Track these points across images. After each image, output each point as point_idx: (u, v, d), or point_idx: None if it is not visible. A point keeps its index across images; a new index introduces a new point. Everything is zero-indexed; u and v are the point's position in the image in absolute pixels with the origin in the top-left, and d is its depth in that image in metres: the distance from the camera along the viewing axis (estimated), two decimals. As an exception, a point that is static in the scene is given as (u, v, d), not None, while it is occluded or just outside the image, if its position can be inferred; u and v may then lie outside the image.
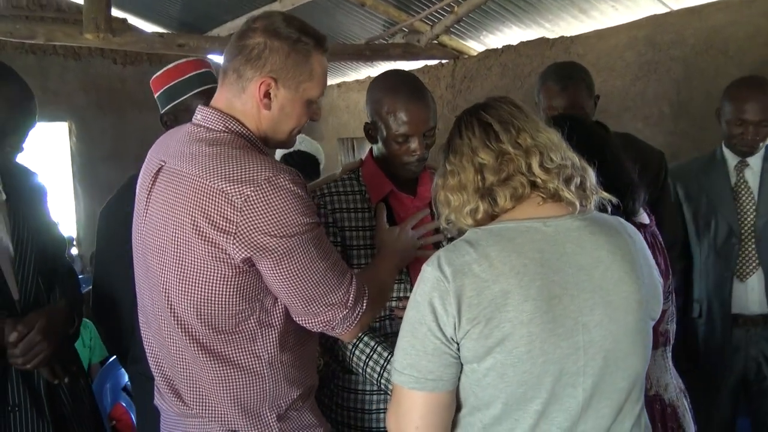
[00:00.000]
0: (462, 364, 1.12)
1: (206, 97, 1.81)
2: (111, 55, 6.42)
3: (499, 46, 4.82)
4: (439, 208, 1.26)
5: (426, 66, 5.34)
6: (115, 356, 2.77)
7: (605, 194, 1.21)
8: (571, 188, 1.15)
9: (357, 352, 1.58)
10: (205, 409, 1.33)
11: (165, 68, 1.88)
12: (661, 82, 3.67)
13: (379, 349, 1.57)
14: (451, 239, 1.67)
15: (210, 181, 1.22)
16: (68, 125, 6.44)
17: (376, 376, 1.55)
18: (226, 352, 1.30)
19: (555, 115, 1.38)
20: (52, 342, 1.58)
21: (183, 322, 1.30)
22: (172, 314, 1.31)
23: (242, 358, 1.30)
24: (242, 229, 1.20)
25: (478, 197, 1.17)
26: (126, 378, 2.79)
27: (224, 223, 1.20)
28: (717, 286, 2.38)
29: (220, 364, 1.30)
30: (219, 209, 1.21)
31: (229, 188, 1.20)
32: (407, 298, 1.61)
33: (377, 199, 1.66)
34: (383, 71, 1.75)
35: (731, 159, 2.40)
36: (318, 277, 1.27)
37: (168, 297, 1.30)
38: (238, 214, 1.20)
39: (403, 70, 1.77)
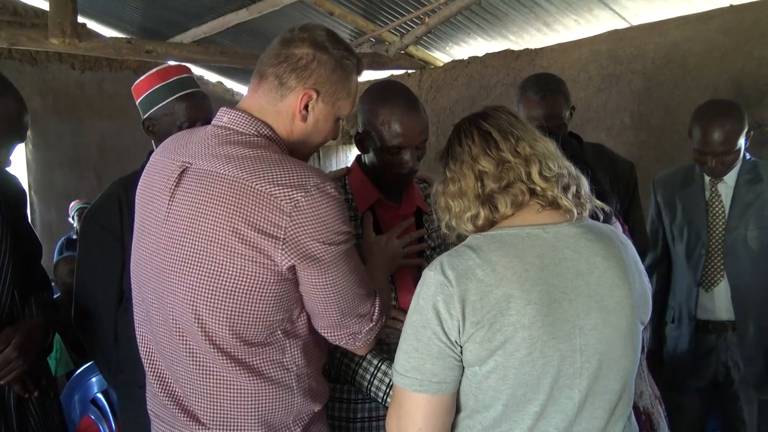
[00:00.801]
0: (463, 367, 1.14)
1: (189, 101, 1.81)
2: (69, 60, 6.26)
3: (465, 57, 4.91)
4: (439, 214, 1.28)
5: (392, 76, 5.39)
6: (82, 368, 2.72)
7: (598, 202, 1.25)
8: (568, 196, 1.19)
9: (346, 360, 1.57)
10: (226, 427, 1.26)
11: (146, 74, 1.86)
12: (623, 95, 3.79)
13: (368, 356, 1.56)
14: (434, 248, 1.70)
15: (255, 184, 1.17)
16: (24, 131, 6.25)
17: (365, 384, 1.55)
18: (258, 365, 1.24)
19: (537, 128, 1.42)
20: (28, 358, 1.55)
21: (211, 334, 1.22)
22: (199, 324, 1.23)
23: (273, 370, 1.26)
24: (291, 235, 1.16)
25: (479, 203, 1.19)
26: (95, 390, 2.72)
27: (272, 228, 1.16)
28: (685, 294, 2.46)
29: (252, 378, 1.24)
30: (265, 213, 1.16)
31: (277, 192, 1.16)
32: (394, 307, 1.63)
33: (364, 207, 1.64)
34: (377, 81, 1.74)
35: (705, 173, 2.46)
36: (355, 287, 1.26)
37: (195, 308, 1.22)
38: (288, 219, 1.16)
39: (398, 82, 1.77)
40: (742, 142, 2.32)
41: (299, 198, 1.16)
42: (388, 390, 1.52)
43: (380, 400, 1.54)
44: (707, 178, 2.45)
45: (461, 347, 1.12)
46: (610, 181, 1.67)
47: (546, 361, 1.10)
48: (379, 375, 1.53)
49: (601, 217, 1.27)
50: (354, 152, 6.54)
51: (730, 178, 2.40)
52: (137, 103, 1.87)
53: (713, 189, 2.44)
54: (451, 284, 1.10)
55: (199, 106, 1.83)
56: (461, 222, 1.22)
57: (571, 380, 1.13)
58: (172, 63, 1.95)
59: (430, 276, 1.14)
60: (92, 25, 6.18)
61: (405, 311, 1.62)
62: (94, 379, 2.74)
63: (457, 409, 1.18)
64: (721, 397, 2.50)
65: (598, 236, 1.21)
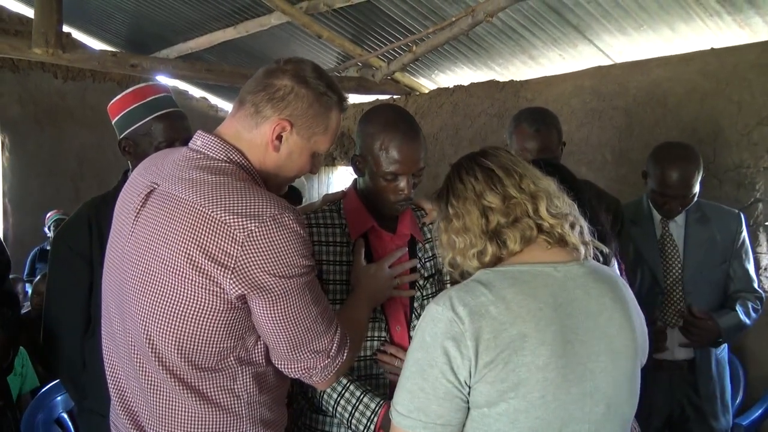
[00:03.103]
0: (469, 408, 1.10)
1: (166, 121, 1.80)
2: (52, 69, 6.19)
3: (450, 86, 4.94)
4: (442, 251, 1.27)
5: (378, 100, 5.41)
6: (47, 386, 2.64)
7: (598, 243, 1.25)
8: (575, 234, 1.19)
9: (329, 390, 1.54)
10: None
11: (122, 93, 1.83)
12: (604, 130, 3.84)
13: (351, 387, 1.54)
14: (427, 278, 1.68)
15: (211, 211, 1.17)
16: (1, 139, 6.13)
17: (347, 416, 1.52)
18: (206, 390, 1.25)
19: (535, 160, 1.42)
20: None
21: (161, 355, 1.23)
22: (150, 345, 1.24)
23: (221, 396, 1.26)
24: (241, 265, 1.16)
25: (486, 239, 1.18)
26: (59, 410, 2.64)
27: (222, 257, 1.16)
28: None
29: (199, 402, 1.25)
30: (218, 241, 1.16)
31: (231, 220, 1.16)
32: (383, 338, 1.61)
33: (357, 234, 1.63)
34: (377, 105, 1.73)
35: (656, 212, 2.49)
36: (308, 322, 1.24)
37: (146, 327, 1.24)
38: (239, 248, 1.16)
39: (399, 106, 1.75)
40: (698, 184, 2.36)
41: (252, 228, 1.16)
42: (368, 424, 1.49)
43: (346, 422, 1.51)
44: (657, 217, 2.48)
45: (470, 388, 1.08)
46: (611, 221, 1.67)
47: (558, 405, 1.07)
48: (361, 407, 1.51)
49: (601, 259, 1.27)
50: (337, 174, 6.52)
51: (680, 217, 2.45)
52: (113, 122, 1.84)
53: (665, 228, 2.47)
54: (463, 321, 1.07)
55: (176, 126, 1.81)
56: (466, 258, 1.20)
57: (579, 425, 1.10)
58: (150, 82, 1.91)
59: (438, 311, 1.10)
60: (77, 35, 6.14)
61: (399, 346, 1.61)
62: (59, 398, 2.66)
63: None
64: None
65: (603, 277, 1.20)
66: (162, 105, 1.81)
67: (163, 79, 4.95)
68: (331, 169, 6.53)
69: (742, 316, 2.35)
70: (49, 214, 5.47)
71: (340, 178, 6.58)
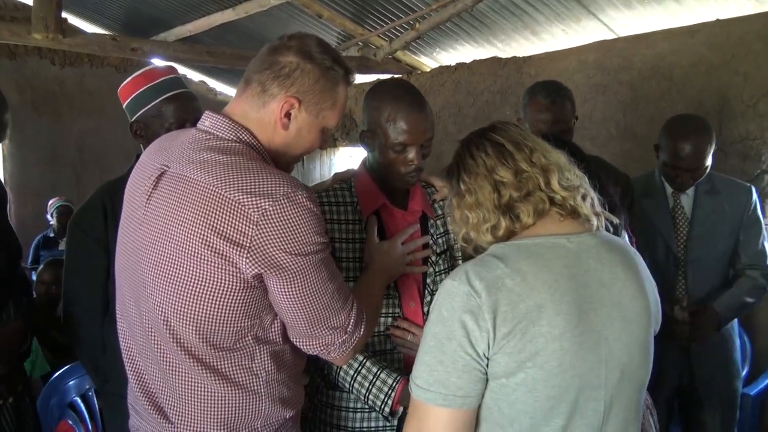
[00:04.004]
0: (487, 380, 1.12)
1: (176, 102, 1.79)
2: (49, 55, 6.15)
3: (452, 63, 4.91)
4: (455, 227, 1.27)
5: (378, 80, 5.37)
6: (60, 371, 2.65)
7: (608, 214, 1.26)
8: (587, 205, 1.20)
9: (345, 367, 1.55)
10: (191, 427, 1.28)
11: (132, 76, 1.84)
12: (609, 105, 3.82)
13: (368, 364, 1.54)
14: (439, 254, 1.69)
15: (224, 191, 1.17)
16: (0, 127, 6.10)
17: (364, 392, 1.53)
18: (225, 369, 1.26)
19: (548, 134, 1.42)
20: (5, 364, 1.50)
21: (179, 337, 1.24)
22: (167, 327, 1.24)
23: (240, 375, 1.27)
24: (257, 244, 1.16)
25: (499, 213, 1.18)
26: (73, 394, 2.65)
27: (238, 236, 1.16)
28: None
29: (218, 381, 1.25)
30: (232, 221, 1.16)
31: (245, 200, 1.16)
32: (397, 314, 1.61)
33: (369, 212, 1.63)
34: (382, 80, 1.73)
35: (668, 185, 2.51)
36: (326, 298, 1.24)
37: (163, 309, 1.24)
38: (254, 227, 1.15)
39: (404, 80, 1.76)
40: (710, 157, 2.36)
41: (267, 207, 1.15)
42: (386, 399, 1.50)
43: (378, 409, 1.53)
44: (669, 189, 2.49)
45: (488, 359, 1.09)
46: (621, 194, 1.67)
47: (575, 372, 1.09)
48: (378, 383, 1.51)
49: (611, 230, 1.27)
50: (339, 155, 6.51)
51: (690, 189, 2.46)
52: (124, 106, 1.84)
53: (676, 200, 2.48)
54: (479, 295, 1.08)
55: (187, 107, 1.80)
56: (480, 233, 1.21)
57: (596, 392, 1.12)
58: (158, 64, 1.91)
59: (455, 286, 1.11)
60: (73, 20, 6.08)
61: (412, 322, 1.62)
62: (72, 383, 2.66)
63: (477, 423, 1.15)
64: (684, 404, 2.54)
65: (615, 247, 1.22)
66: (172, 86, 1.81)
67: (161, 63, 4.91)
68: (333, 150, 6.51)
69: (743, 297, 2.36)
70: (51, 201, 5.46)
71: (342, 159, 6.56)
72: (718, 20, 3.37)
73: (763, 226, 2.47)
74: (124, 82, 1.84)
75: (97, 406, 2.66)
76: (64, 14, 5.80)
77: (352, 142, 6.02)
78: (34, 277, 4.26)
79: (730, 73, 3.27)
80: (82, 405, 2.69)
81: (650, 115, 3.62)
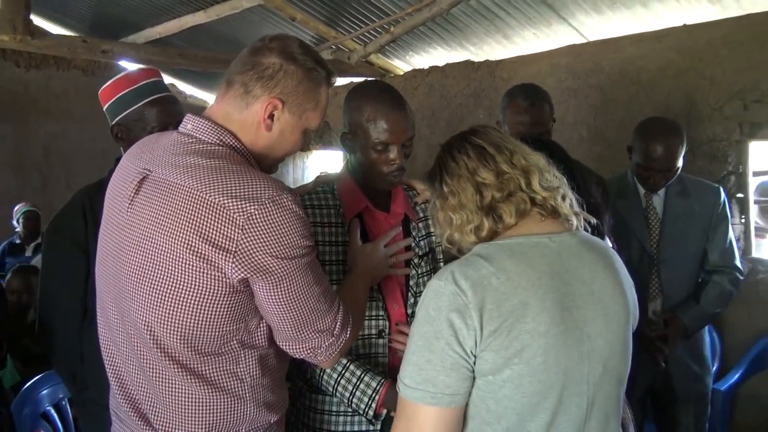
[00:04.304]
0: (474, 378, 1.14)
1: (159, 105, 1.77)
2: (13, 56, 6.00)
3: (426, 67, 4.94)
4: (439, 229, 1.29)
5: (352, 83, 5.38)
6: (32, 381, 2.59)
7: (587, 215, 1.29)
8: (566, 206, 1.23)
9: (328, 370, 1.55)
10: None
11: (113, 79, 1.81)
12: (580, 108, 3.89)
13: (351, 367, 1.55)
14: (422, 256, 1.70)
15: (209, 195, 1.16)
16: (-37, 130, 5.95)
17: (348, 395, 1.53)
18: (209, 375, 1.25)
19: (527, 137, 1.44)
20: None
21: (162, 343, 1.23)
22: (150, 333, 1.23)
23: (225, 380, 1.26)
24: (243, 248, 1.15)
25: (482, 214, 1.21)
26: (46, 403, 2.60)
27: (223, 241, 1.15)
28: None
29: (203, 387, 1.24)
30: (218, 226, 1.15)
31: (230, 204, 1.15)
32: (380, 316, 1.62)
33: (351, 215, 1.63)
34: (361, 81, 1.74)
35: (641, 186, 2.56)
36: (312, 302, 1.25)
37: (146, 315, 1.23)
38: (240, 232, 1.15)
39: (382, 81, 1.77)
40: (682, 158, 2.43)
41: (252, 210, 1.15)
42: (370, 402, 1.50)
43: (362, 412, 1.53)
44: (641, 190, 2.55)
45: (475, 357, 1.11)
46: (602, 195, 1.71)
47: (559, 368, 1.12)
48: (362, 386, 1.52)
49: (589, 230, 1.30)
50: (312, 159, 6.49)
51: (662, 190, 2.52)
52: (104, 108, 1.80)
53: (649, 201, 2.54)
54: (466, 294, 1.10)
55: (170, 110, 1.78)
56: (463, 234, 1.23)
57: (579, 387, 1.15)
58: (128, 66, 1.89)
59: (441, 286, 1.13)
60: (38, 21, 5.95)
61: (397, 324, 1.63)
62: (45, 392, 2.61)
63: (464, 421, 1.17)
64: (657, 401, 2.59)
65: (594, 246, 1.26)
66: (154, 89, 1.79)
67: (129, 66, 4.83)
68: (307, 154, 6.49)
69: (709, 308, 2.43)
70: (17, 207, 5.33)
71: (316, 162, 6.55)
72: (685, 25, 3.46)
73: (730, 226, 2.55)
74: (105, 85, 1.81)
75: (71, 415, 2.62)
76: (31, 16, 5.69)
77: (325, 145, 6.01)
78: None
79: (697, 77, 3.35)
80: (55, 415, 2.64)
81: (620, 118, 3.70)
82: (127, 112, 1.77)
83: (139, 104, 1.76)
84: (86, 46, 3.75)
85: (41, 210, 5.15)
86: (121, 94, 1.77)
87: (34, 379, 2.60)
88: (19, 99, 6.15)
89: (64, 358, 1.82)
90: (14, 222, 5.31)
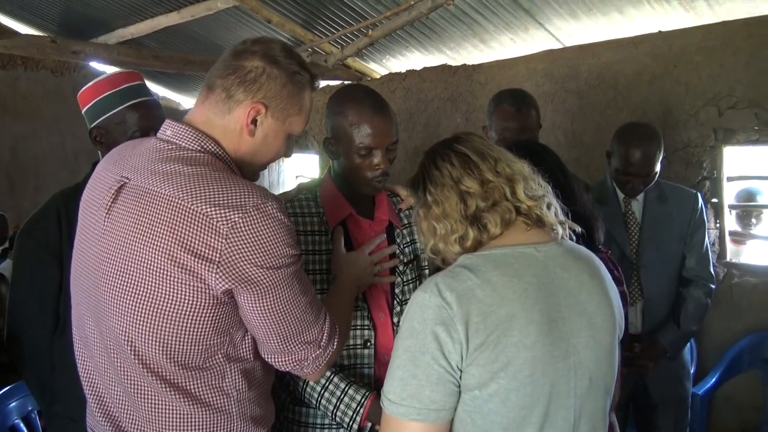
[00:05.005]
0: (460, 392, 1.11)
1: (141, 110, 1.73)
2: (-21, 57, 5.84)
3: (402, 71, 4.92)
4: (423, 239, 1.27)
5: (328, 86, 5.34)
6: (1, 392, 2.50)
7: (572, 223, 1.28)
8: (551, 214, 1.22)
9: (311, 382, 1.52)
10: None
11: (94, 80, 1.76)
12: (557, 113, 3.90)
13: (335, 379, 1.51)
14: (407, 264, 1.67)
15: (191, 204, 1.13)
16: (-74, 132, 5.76)
17: (331, 408, 1.50)
18: (194, 390, 1.21)
19: (522, 142, 1.42)
20: None
21: (143, 357, 1.18)
22: (130, 347, 1.19)
23: (211, 396, 1.22)
24: (226, 258, 1.12)
25: (467, 224, 1.19)
26: (14, 416, 2.51)
27: (206, 251, 1.11)
28: None
29: (188, 403, 1.20)
30: (200, 235, 1.11)
31: (213, 213, 1.12)
32: (366, 326, 1.59)
33: (335, 222, 1.61)
34: (344, 85, 1.72)
35: (619, 191, 2.58)
36: (299, 313, 1.21)
37: (125, 328, 1.18)
38: (223, 241, 1.11)
39: (364, 84, 1.75)
40: (659, 163, 2.46)
41: (236, 219, 1.12)
42: (354, 416, 1.47)
43: (346, 426, 1.50)
44: (621, 195, 2.57)
45: (461, 372, 1.09)
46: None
47: (546, 381, 1.10)
48: (346, 399, 1.49)
49: (574, 239, 1.29)
50: (288, 163, 6.42)
51: (640, 196, 2.55)
52: (83, 111, 1.75)
53: (627, 206, 2.56)
54: (451, 306, 1.08)
55: (152, 115, 1.74)
56: (447, 244, 1.21)
57: (566, 400, 1.13)
58: (122, 70, 1.83)
59: (426, 298, 1.11)
60: (6, 21, 5.80)
61: (382, 333, 1.60)
62: (13, 405, 2.52)
63: None
64: (637, 407, 2.61)
65: (580, 256, 1.24)
66: (137, 93, 1.75)
67: (100, 67, 4.73)
68: (281, 159, 6.42)
69: (688, 328, 2.47)
70: (-17, 212, 5.18)
71: (292, 166, 6.49)
72: (660, 32, 3.50)
73: (707, 231, 2.58)
74: (85, 86, 1.76)
75: (40, 428, 2.53)
76: (-3, 15, 5.54)
77: (301, 149, 5.96)
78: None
79: (672, 82, 3.39)
80: (24, 428, 2.55)
81: (597, 122, 3.72)
82: (108, 115, 1.72)
83: (121, 107, 1.72)
84: (56, 47, 3.64)
85: (8, 213, 5.01)
86: (102, 96, 1.72)
87: (2, 390, 2.51)
88: (-15, 100, 5.98)
89: (33, 369, 1.76)
90: (-20, 227, 5.16)
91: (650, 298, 2.49)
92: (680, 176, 3.30)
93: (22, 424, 2.55)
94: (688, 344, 2.64)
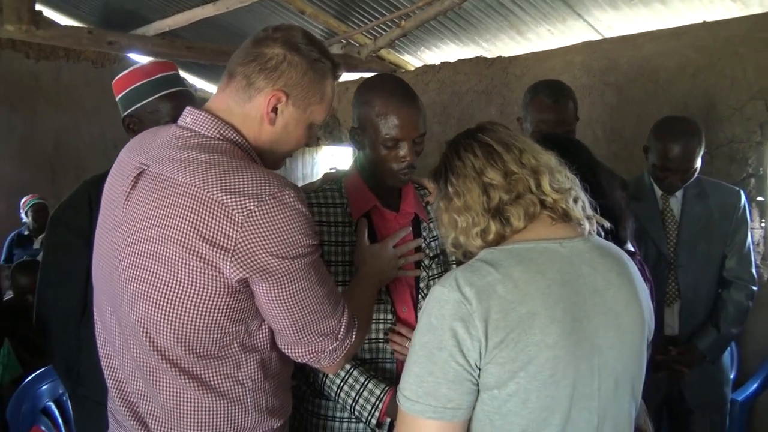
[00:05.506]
0: (479, 391, 1.07)
1: (174, 100, 1.74)
2: (23, 48, 5.99)
3: (437, 63, 4.87)
4: (444, 231, 1.23)
5: (362, 78, 5.32)
6: (32, 375, 2.56)
7: (600, 218, 1.22)
8: (578, 209, 1.16)
9: (331, 375, 1.50)
10: None
11: (129, 69, 1.78)
12: (595, 106, 3.80)
13: (355, 373, 1.49)
14: (432, 258, 1.63)
15: (207, 192, 1.11)
16: (-27, 122, 5.93)
17: (350, 401, 1.48)
18: (209, 379, 1.20)
19: (553, 135, 1.37)
20: None
21: (159, 345, 1.18)
22: (146, 335, 1.18)
23: (225, 385, 1.21)
24: (241, 247, 1.10)
25: (489, 217, 1.14)
26: (46, 399, 2.56)
27: (221, 239, 1.09)
28: None
29: (203, 391, 1.19)
30: (216, 223, 1.10)
31: (229, 201, 1.10)
32: (389, 320, 1.56)
33: (359, 214, 1.58)
34: (373, 75, 1.69)
35: (657, 187, 2.50)
36: (315, 304, 1.19)
37: (141, 316, 1.18)
38: (239, 229, 1.09)
39: (393, 75, 1.71)
40: (700, 159, 2.36)
41: (252, 207, 1.09)
42: (373, 410, 1.45)
43: (364, 420, 1.47)
44: (658, 191, 2.47)
45: (480, 370, 1.05)
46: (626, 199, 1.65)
47: (567, 382, 1.05)
48: (365, 393, 1.46)
49: (602, 234, 1.23)
50: (321, 155, 6.44)
51: (679, 192, 2.45)
52: (117, 99, 1.78)
53: (665, 203, 2.47)
54: (470, 302, 1.04)
55: (184, 105, 1.73)
56: (469, 237, 1.17)
57: (589, 402, 1.08)
58: (135, 58, 1.86)
59: (444, 293, 1.07)
60: (49, 13, 5.92)
61: (411, 327, 1.57)
62: (44, 388, 2.58)
63: None
64: (672, 411, 2.53)
65: (608, 252, 1.18)
66: (170, 83, 1.76)
67: (138, 58, 4.80)
68: (316, 150, 6.44)
69: (728, 331, 2.38)
70: (25, 199, 5.31)
71: (325, 158, 6.49)
72: (704, 22, 3.37)
73: (749, 231, 2.47)
74: (120, 75, 1.78)
75: (71, 411, 2.58)
76: (39, 6, 5.67)
77: (335, 141, 5.96)
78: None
79: (716, 75, 3.26)
80: (55, 410, 2.60)
81: (636, 116, 3.61)
82: (141, 103, 1.74)
83: (154, 97, 1.73)
84: (92, 38, 3.69)
85: (50, 202, 5.14)
86: (135, 85, 1.74)
87: (34, 374, 2.57)
88: (29, 90, 6.13)
89: (60, 353, 1.79)
90: (22, 214, 5.30)
91: (688, 299, 2.40)
92: (724, 173, 3.17)
93: (54, 407, 2.61)
94: (728, 348, 2.55)
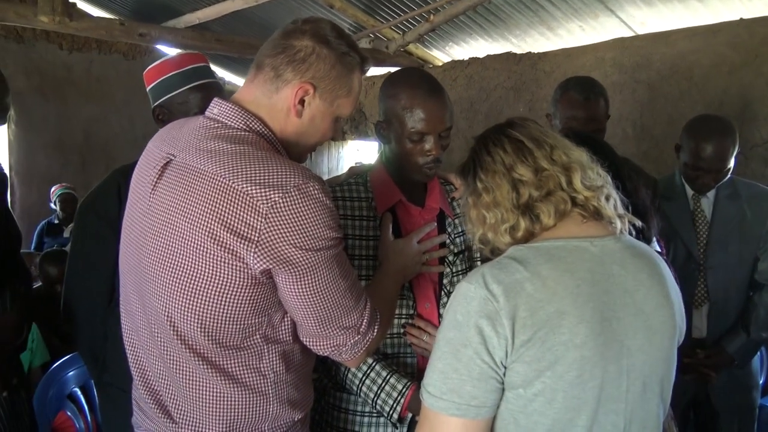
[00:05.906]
0: (503, 390, 1.06)
1: (204, 91, 1.75)
2: (57, 39, 6.09)
3: (465, 58, 4.83)
4: (472, 227, 1.21)
5: (389, 73, 5.30)
6: (59, 361, 2.60)
7: (631, 217, 1.19)
8: (610, 207, 1.14)
9: (353, 369, 1.49)
10: (194, 427, 1.23)
11: (160, 60, 1.80)
12: (626, 104, 3.74)
13: (377, 367, 1.48)
14: (457, 254, 1.62)
15: (232, 182, 1.11)
16: (7, 111, 6.04)
17: (372, 396, 1.47)
18: (231, 369, 1.20)
19: (576, 133, 1.35)
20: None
21: (183, 334, 1.19)
22: (170, 324, 1.19)
23: (247, 375, 1.21)
24: (266, 238, 1.10)
25: (518, 213, 1.13)
26: (72, 385, 2.60)
27: (245, 230, 1.10)
28: None
29: (225, 381, 1.20)
30: (240, 213, 1.10)
31: (254, 191, 1.10)
32: (411, 316, 1.55)
33: (384, 208, 1.57)
34: (398, 69, 1.68)
35: (689, 187, 2.44)
36: (337, 297, 1.19)
37: (166, 305, 1.19)
38: (263, 220, 1.09)
39: (420, 68, 1.70)
40: (733, 159, 2.30)
41: (276, 198, 1.09)
42: (395, 405, 1.44)
43: (386, 414, 1.47)
44: (690, 192, 2.42)
45: (506, 368, 1.03)
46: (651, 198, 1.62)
47: (595, 383, 1.03)
48: (387, 388, 1.45)
49: (634, 234, 1.21)
50: (347, 149, 6.44)
51: (711, 193, 2.39)
52: (148, 89, 1.79)
53: (697, 203, 2.41)
54: (497, 299, 1.02)
55: (214, 97, 1.76)
56: (497, 234, 1.15)
57: (616, 404, 1.06)
58: (166, 51, 1.88)
59: (471, 290, 1.05)
60: (82, 5, 6.01)
61: (429, 321, 1.56)
62: (71, 374, 2.62)
63: None
64: (699, 416, 2.48)
65: (640, 252, 1.15)
66: (200, 75, 1.77)
67: (168, 50, 4.85)
68: (342, 144, 6.45)
69: (758, 335, 2.32)
70: (54, 188, 5.41)
71: (351, 152, 6.50)
72: (741, 20, 3.29)
73: None
74: (150, 66, 1.80)
75: (97, 398, 2.62)
76: (73, -1, 5.76)
77: (361, 136, 5.95)
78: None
79: (753, 74, 3.18)
80: (81, 396, 2.64)
81: (668, 115, 3.54)
82: (171, 94, 1.75)
83: (184, 88, 1.74)
84: (123, 29, 3.74)
85: (79, 192, 5.22)
86: (166, 76, 1.75)
87: (61, 360, 2.61)
88: (61, 81, 6.23)
89: (86, 340, 1.81)
90: (51, 203, 5.40)
91: (717, 302, 2.35)
92: (758, 174, 3.10)
93: (80, 393, 2.65)
94: (758, 353, 2.49)
